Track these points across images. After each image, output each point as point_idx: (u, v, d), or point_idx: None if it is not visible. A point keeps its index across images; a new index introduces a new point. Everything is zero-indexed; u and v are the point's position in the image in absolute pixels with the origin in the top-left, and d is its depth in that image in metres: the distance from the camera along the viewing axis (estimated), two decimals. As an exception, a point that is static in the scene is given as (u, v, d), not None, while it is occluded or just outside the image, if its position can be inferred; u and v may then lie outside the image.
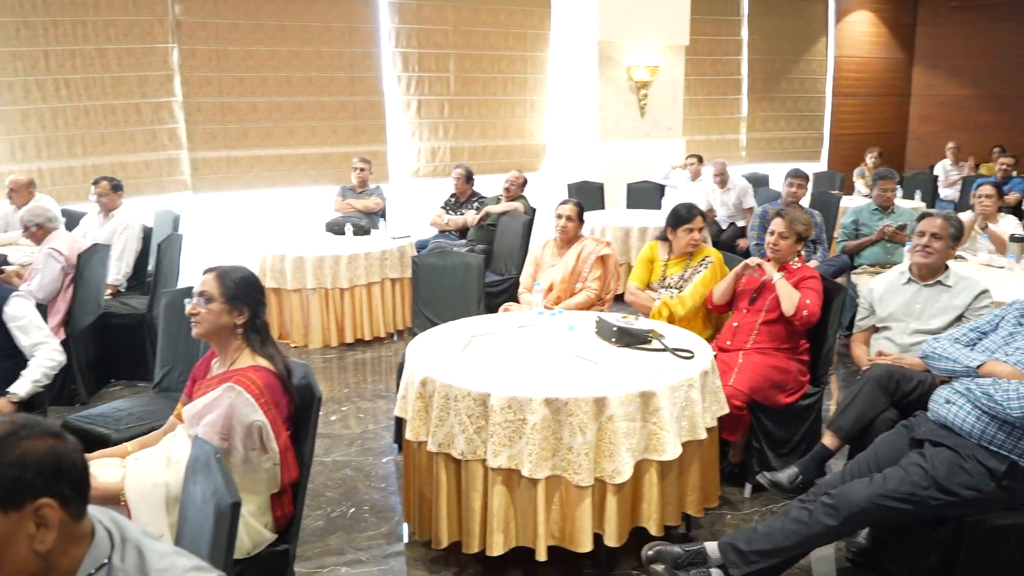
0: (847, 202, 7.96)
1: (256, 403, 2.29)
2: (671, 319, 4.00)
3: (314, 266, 5.80)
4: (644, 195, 8.43)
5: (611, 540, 2.86)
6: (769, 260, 3.87)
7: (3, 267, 5.04)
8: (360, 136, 8.53)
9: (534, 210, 6.77)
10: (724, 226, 7.97)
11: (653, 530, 2.93)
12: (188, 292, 3.72)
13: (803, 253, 4.04)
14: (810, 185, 6.35)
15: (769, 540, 2.62)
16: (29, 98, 7.11)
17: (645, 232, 6.93)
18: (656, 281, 4.33)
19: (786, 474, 3.30)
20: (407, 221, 7.70)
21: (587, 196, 7.93)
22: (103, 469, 2.32)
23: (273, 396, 2.37)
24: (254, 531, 2.30)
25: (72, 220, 6.02)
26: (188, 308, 2.48)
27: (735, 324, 3.84)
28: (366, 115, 8.54)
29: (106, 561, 1.32)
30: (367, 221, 6.78)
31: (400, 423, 3.95)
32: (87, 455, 2.39)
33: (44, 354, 3.42)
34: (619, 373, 2.99)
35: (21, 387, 3.33)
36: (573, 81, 9.28)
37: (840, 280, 5.08)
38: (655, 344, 3.32)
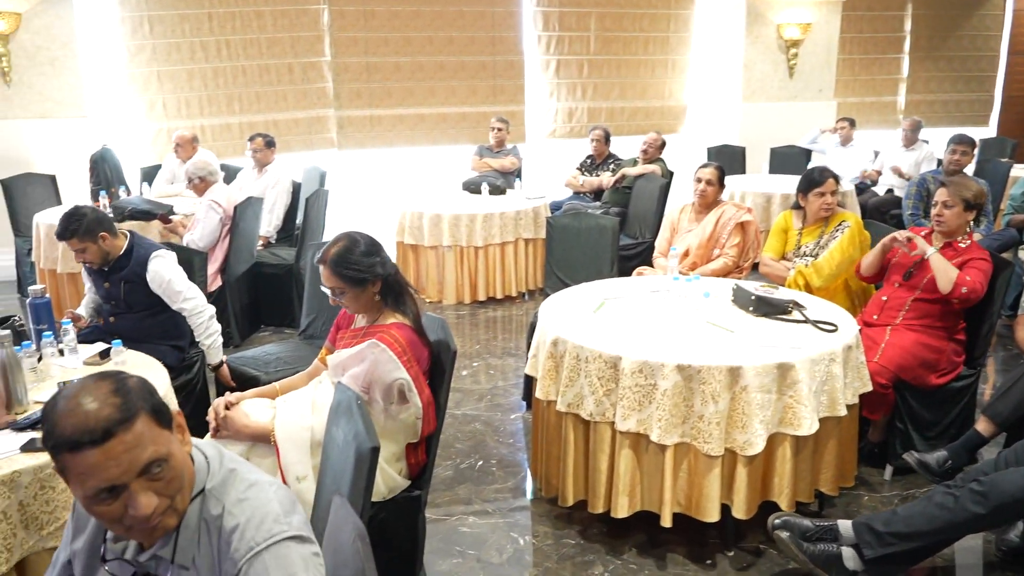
0: (1019, 171, 7.30)
1: (399, 360, 2.37)
2: (807, 289, 3.83)
3: (450, 224, 5.92)
4: (788, 160, 8.06)
5: (739, 512, 2.81)
6: (932, 233, 3.61)
7: (170, 217, 5.44)
8: (498, 96, 8.57)
9: (672, 173, 6.62)
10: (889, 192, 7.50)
11: (783, 505, 2.85)
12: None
13: (971, 227, 3.73)
14: (976, 152, 5.85)
15: (909, 523, 2.49)
16: (194, 58, 7.56)
17: (788, 199, 6.63)
18: (791, 251, 4.16)
19: (934, 457, 3.11)
20: (542, 182, 7.71)
21: (727, 160, 7.65)
22: (256, 410, 2.49)
23: (415, 352, 2.45)
24: (389, 477, 2.41)
25: (230, 174, 6.40)
26: (331, 301, 2.58)
27: (884, 298, 3.63)
28: (505, 75, 8.56)
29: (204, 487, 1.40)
30: (503, 181, 6.84)
31: (530, 381, 4.00)
32: (241, 393, 2.58)
33: (195, 321, 3.49)
34: (756, 343, 2.90)
35: (211, 357, 3.55)
36: (718, 40, 8.94)
37: (1006, 256, 4.69)
38: (795, 315, 3.19)
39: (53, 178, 6.49)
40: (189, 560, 1.37)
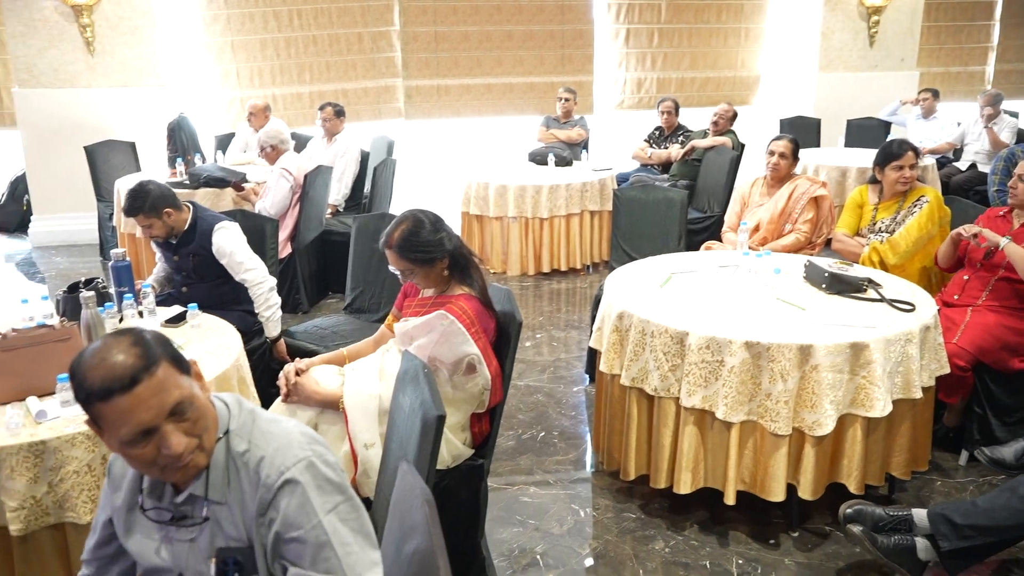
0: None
1: (468, 333, 2.38)
2: (882, 266, 3.70)
3: (516, 195, 5.91)
4: (866, 133, 7.78)
5: (805, 493, 2.76)
6: (1012, 211, 3.45)
7: (243, 185, 5.56)
8: (566, 66, 8.48)
9: (743, 146, 6.46)
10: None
11: (852, 488, 2.78)
12: (382, 217, 3.92)
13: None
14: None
15: (989, 516, 2.40)
16: (267, 28, 7.68)
17: (864, 173, 6.41)
18: (866, 227, 4.03)
19: (1012, 449, 2.99)
20: (609, 153, 7.62)
21: (801, 132, 7.43)
22: (325, 377, 2.54)
23: (482, 323, 2.46)
24: (453, 445, 2.44)
25: (300, 143, 6.50)
26: (401, 281, 2.59)
27: (965, 278, 3.49)
28: (573, 44, 8.45)
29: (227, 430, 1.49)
30: (569, 152, 6.78)
31: (593, 354, 3.99)
32: (310, 360, 2.63)
33: (256, 292, 3.50)
34: (828, 321, 2.82)
35: (270, 330, 3.56)
36: (795, 7, 8.64)
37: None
38: (871, 293, 3.10)
39: (133, 145, 6.69)
40: (222, 495, 1.47)
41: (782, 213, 4.21)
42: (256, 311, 3.54)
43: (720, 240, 4.56)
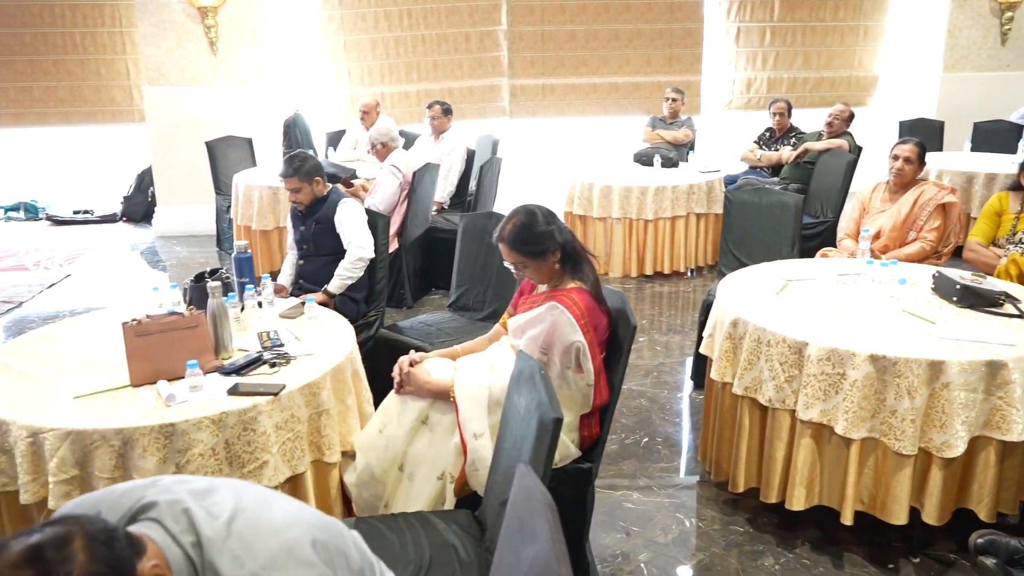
0: None
1: (577, 324, 2.38)
2: (1021, 280, 3.47)
3: (620, 196, 5.84)
4: (995, 136, 7.33)
5: (930, 517, 2.61)
6: None
7: (352, 181, 5.70)
8: (674, 65, 8.33)
9: (860, 149, 6.19)
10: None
11: (982, 515, 2.62)
12: (489, 216, 3.94)
13: None
14: None
15: None
16: (378, 27, 7.85)
17: (993, 180, 6.06)
18: (1004, 236, 3.79)
19: None
20: (716, 155, 7.44)
21: (923, 135, 7.04)
22: (438, 368, 2.57)
23: (593, 318, 2.44)
24: (562, 446, 2.42)
25: (408, 141, 6.61)
26: (515, 276, 2.59)
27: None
28: (682, 43, 8.30)
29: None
30: (676, 153, 6.66)
31: (700, 360, 3.91)
32: (425, 353, 2.66)
33: (351, 252, 3.77)
34: (960, 337, 2.66)
35: (333, 285, 3.75)
36: (920, 4, 8.23)
37: None
38: (1008, 308, 2.90)
39: (250, 141, 6.96)
40: None
41: (906, 220, 4.00)
42: (339, 268, 3.74)
43: (835, 247, 4.38)
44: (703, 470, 3.35)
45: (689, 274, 6.08)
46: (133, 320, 2.49)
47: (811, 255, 4.18)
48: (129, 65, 7.94)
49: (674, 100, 7.13)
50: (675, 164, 6.45)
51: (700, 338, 3.58)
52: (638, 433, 3.70)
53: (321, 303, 3.54)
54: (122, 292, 6.01)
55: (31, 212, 8.25)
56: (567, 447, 2.46)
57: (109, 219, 8.08)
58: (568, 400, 2.43)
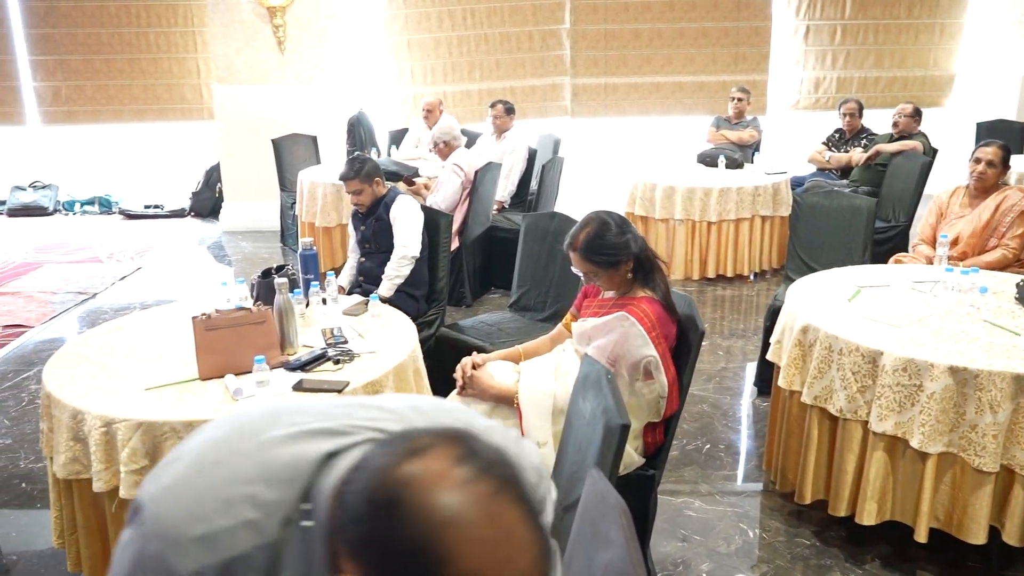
0: None
1: (648, 337, 2.33)
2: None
3: (683, 197, 5.75)
4: (1081, 139, 7.01)
5: (1011, 538, 2.49)
6: None
7: (414, 179, 5.74)
8: (740, 64, 8.18)
9: (935, 151, 5.98)
10: None
11: (1068, 538, 2.49)
12: (552, 216, 3.91)
13: None
14: None
15: None
16: (442, 26, 7.89)
17: (1079, 184, 5.78)
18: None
19: None
20: (783, 156, 7.27)
21: (1002, 137, 6.73)
22: (501, 372, 2.55)
23: (663, 328, 2.39)
24: (626, 454, 2.38)
25: (469, 139, 6.62)
26: (584, 282, 2.56)
27: None
28: (749, 42, 8.13)
29: None
30: (741, 154, 6.54)
31: (765, 367, 3.81)
32: (487, 355, 2.65)
33: (396, 251, 3.79)
34: (1048, 350, 2.54)
35: (383, 288, 3.75)
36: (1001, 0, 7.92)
37: None
38: (1099, 321, 2.76)
39: (314, 139, 7.07)
40: None
41: (986, 226, 3.84)
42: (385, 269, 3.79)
43: (909, 252, 4.23)
44: (767, 479, 3.27)
45: (752, 278, 5.95)
46: (202, 315, 2.54)
47: (883, 261, 4.05)
48: (200, 64, 8.14)
49: (740, 100, 7.00)
50: (740, 165, 6.32)
51: (765, 344, 3.50)
52: (700, 439, 3.63)
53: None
54: (190, 286, 6.16)
55: (105, 206, 8.53)
56: (631, 455, 2.41)
57: (178, 214, 8.30)
58: (635, 408, 2.39)
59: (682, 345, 2.51)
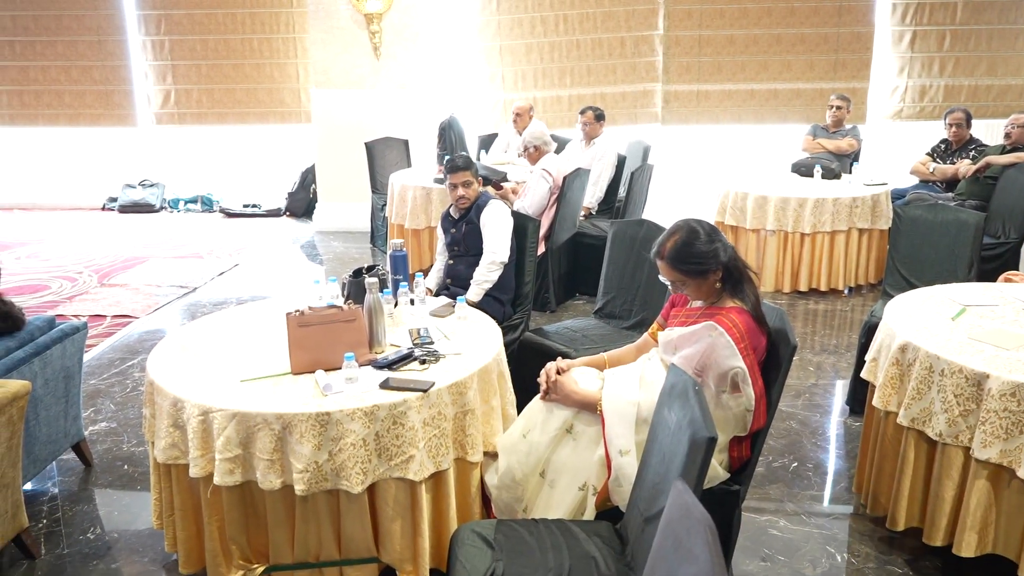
0: None
1: (736, 348, 2.28)
2: None
3: (776, 207, 5.61)
4: None
5: None
6: None
7: (502, 184, 5.78)
8: (839, 71, 7.92)
9: (1051, 164, 5.65)
10: None
11: None
12: (640, 224, 3.86)
13: None
14: None
15: None
16: (534, 32, 7.93)
17: None
18: None
19: None
20: (883, 167, 7.00)
21: None
22: (585, 378, 2.54)
23: (753, 340, 2.34)
24: (711, 466, 2.33)
25: (559, 145, 6.62)
26: (671, 291, 2.52)
27: None
28: (849, 48, 7.87)
29: None
30: (838, 164, 6.33)
31: (858, 385, 3.69)
32: (571, 360, 2.64)
33: (485, 256, 3.83)
34: None
35: (471, 293, 3.78)
36: None
37: None
38: None
39: (406, 142, 7.21)
40: None
41: (1107, 245, 3.60)
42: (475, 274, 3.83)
43: (1020, 271, 4.01)
44: (858, 502, 3.15)
45: (847, 292, 5.75)
46: (296, 311, 2.62)
47: (991, 279, 3.84)
48: (299, 69, 8.41)
49: (839, 108, 6.78)
50: (837, 175, 6.13)
51: (860, 361, 3.38)
52: (787, 457, 3.53)
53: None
54: (284, 283, 6.37)
55: (206, 205, 8.92)
56: (715, 469, 2.36)
57: (274, 213, 8.60)
58: (721, 421, 2.34)
59: (772, 359, 2.44)
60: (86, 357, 3.63)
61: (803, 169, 6.26)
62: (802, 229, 5.57)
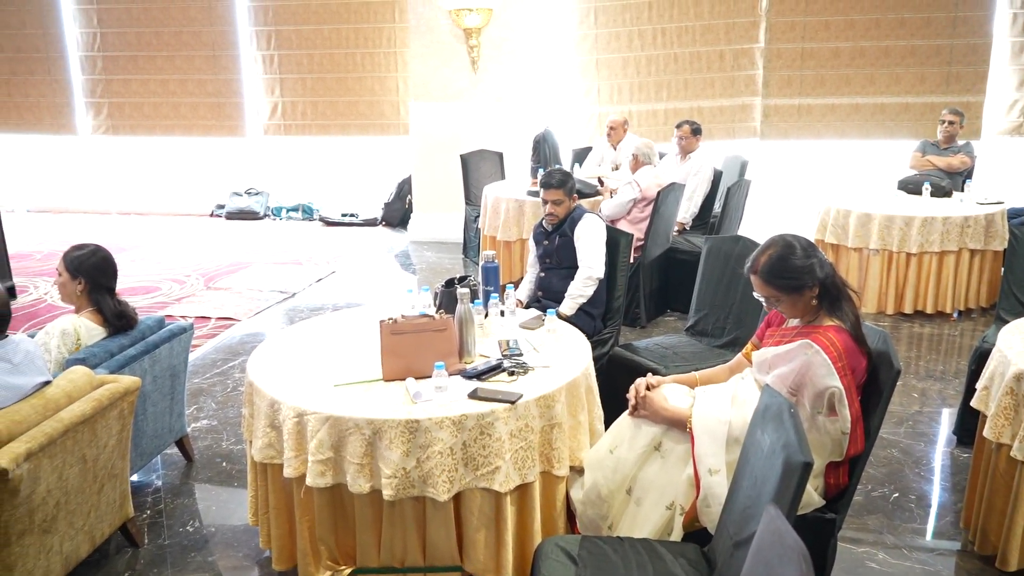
0: None
1: (833, 367, 2.20)
2: None
3: (881, 226, 5.39)
4: None
5: None
6: None
7: (599, 188, 5.80)
8: (952, 85, 7.56)
9: None
10: None
11: None
12: (736, 240, 3.77)
13: None
14: None
15: None
16: (631, 46, 7.89)
17: None
18: None
19: None
20: (998, 185, 6.64)
21: None
22: (675, 395, 2.50)
23: (851, 360, 2.25)
24: (805, 493, 2.24)
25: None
26: (765, 307, 2.47)
27: None
28: (965, 60, 7.50)
29: None
30: (949, 182, 6.04)
31: (968, 414, 3.49)
32: (662, 377, 2.60)
33: (581, 271, 3.80)
34: None
35: (565, 306, 3.77)
36: None
37: None
38: None
39: (501, 155, 7.28)
40: None
41: None
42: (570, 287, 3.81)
43: None
44: (965, 538, 2.98)
45: (956, 316, 5.47)
46: (389, 319, 2.67)
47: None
48: (399, 82, 8.63)
49: (951, 123, 6.46)
50: (948, 193, 5.85)
51: (969, 389, 3.20)
52: (887, 486, 3.37)
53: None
54: (378, 291, 6.53)
55: (307, 213, 9.23)
56: (810, 495, 2.28)
57: (371, 223, 8.83)
58: (816, 444, 2.25)
59: (872, 383, 2.34)
60: (191, 357, 3.79)
61: (910, 187, 6.00)
62: (908, 249, 5.33)
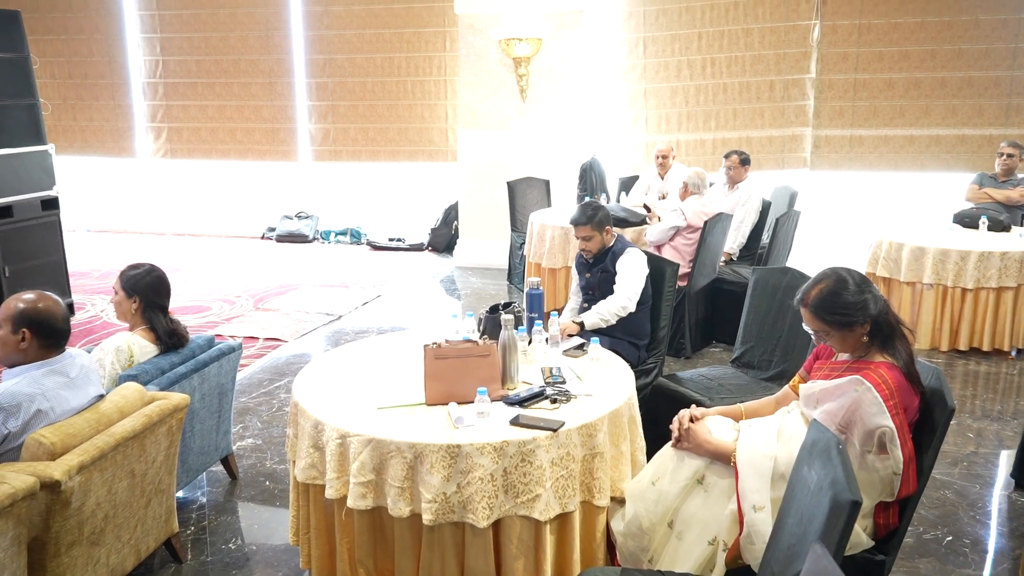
0: None
1: (885, 405, 2.14)
2: None
3: (935, 260, 5.27)
4: None
5: None
6: None
7: (648, 211, 5.82)
8: (1012, 117, 7.39)
9: None
10: None
11: None
12: (784, 272, 3.71)
13: None
14: None
15: None
16: (680, 76, 7.90)
17: None
18: None
19: None
20: (1059, 220, 6.45)
21: None
22: (719, 428, 2.46)
23: (903, 398, 2.19)
24: (853, 534, 2.18)
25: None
26: (815, 341, 2.43)
27: None
28: (1024, 92, 7.35)
29: None
30: (1007, 216, 5.89)
31: (1026, 457, 3.38)
32: (706, 409, 2.57)
33: (616, 299, 3.75)
34: None
35: (589, 318, 3.74)
36: None
37: None
38: None
39: (547, 183, 7.31)
40: None
41: None
42: (597, 304, 3.77)
43: None
44: (1023, 588, 2.86)
45: (1014, 355, 5.30)
46: (433, 343, 2.69)
47: None
48: (448, 110, 8.75)
49: (1010, 156, 6.31)
50: (1006, 228, 5.70)
51: (1029, 431, 3.09)
52: (940, 529, 3.26)
53: (568, 332, 3.57)
54: (422, 315, 6.57)
55: (355, 237, 9.37)
56: (859, 535, 2.21)
57: (417, 248, 8.93)
58: (866, 483, 2.19)
59: (925, 422, 2.27)
60: (238, 376, 3.86)
61: (967, 220, 5.86)
62: (964, 284, 5.20)
